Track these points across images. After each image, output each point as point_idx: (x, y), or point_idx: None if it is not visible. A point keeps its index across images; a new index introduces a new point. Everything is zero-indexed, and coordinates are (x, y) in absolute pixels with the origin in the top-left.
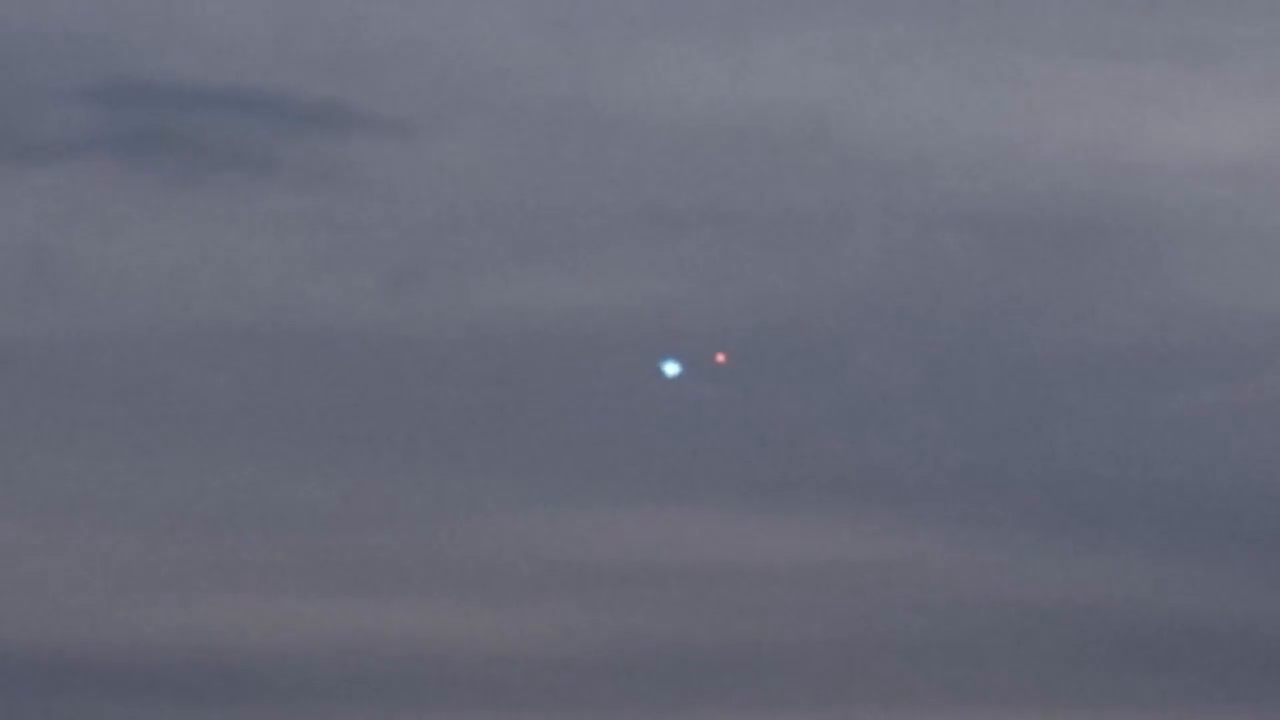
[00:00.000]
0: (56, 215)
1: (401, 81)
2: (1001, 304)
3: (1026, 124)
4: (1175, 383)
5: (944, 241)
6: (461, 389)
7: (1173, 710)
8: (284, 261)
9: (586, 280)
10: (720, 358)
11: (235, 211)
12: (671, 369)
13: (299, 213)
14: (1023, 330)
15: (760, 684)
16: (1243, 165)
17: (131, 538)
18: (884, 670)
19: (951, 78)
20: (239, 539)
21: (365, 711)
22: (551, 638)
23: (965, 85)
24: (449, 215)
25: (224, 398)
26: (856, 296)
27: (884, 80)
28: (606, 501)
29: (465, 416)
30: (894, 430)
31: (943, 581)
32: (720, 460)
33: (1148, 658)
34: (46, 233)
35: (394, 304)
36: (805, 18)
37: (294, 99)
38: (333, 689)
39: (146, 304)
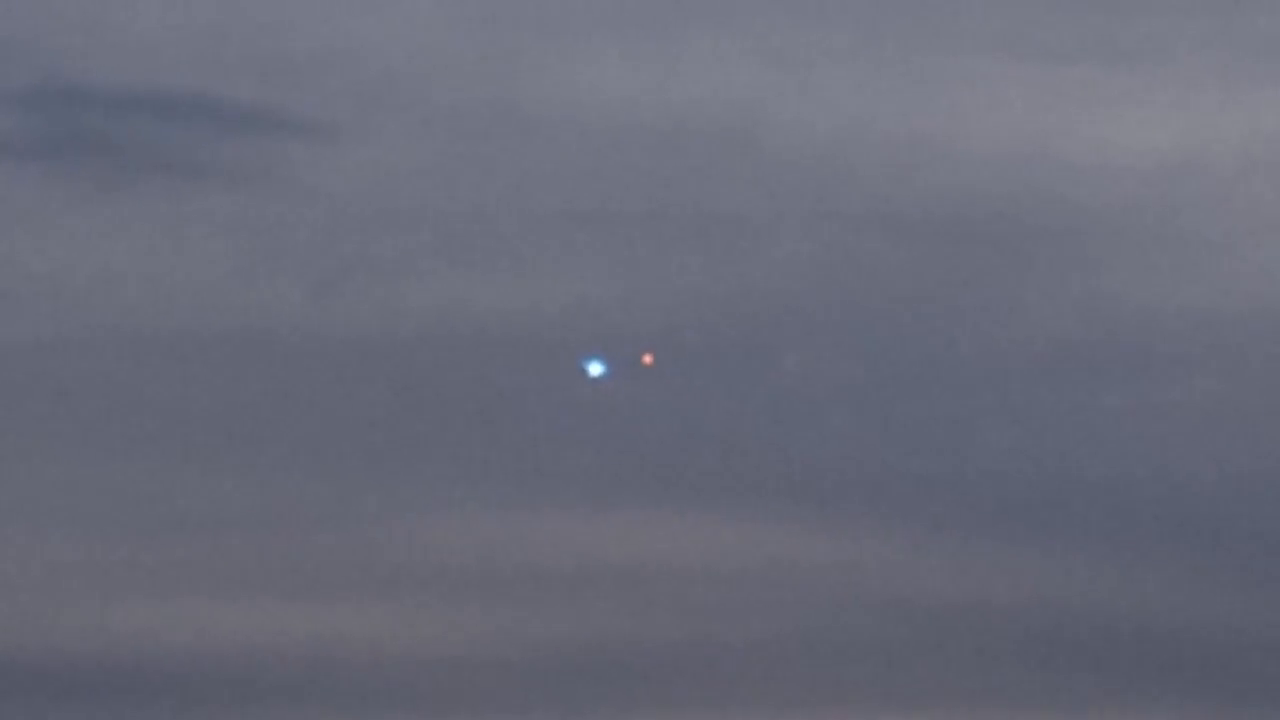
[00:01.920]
0: None
1: (328, 84)
2: (929, 304)
3: (953, 124)
4: (1104, 382)
5: (871, 242)
6: (389, 391)
7: (1114, 709)
8: (213, 264)
9: (513, 282)
10: (647, 359)
11: (164, 215)
12: (595, 369)
13: (227, 216)
14: (951, 330)
15: (696, 685)
16: (1170, 164)
17: (62, 542)
18: (821, 671)
19: (877, 78)
20: (171, 543)
21: (317, 714)
22: (491, 640)
23: (891, 86)
24: (376, 217)
25: (154, 402)
26: (784, 297)
27: (809, 81)
28: (537, 503)
29: (393, 419)
30: (823, 431)
31: (874, 582)
32: (651, 461)
33: (1086, 657)
34: None
35: (322, 306)
36: (730, 19)
37: (221, 102)
38: (282, 691)
39: (76, 309)
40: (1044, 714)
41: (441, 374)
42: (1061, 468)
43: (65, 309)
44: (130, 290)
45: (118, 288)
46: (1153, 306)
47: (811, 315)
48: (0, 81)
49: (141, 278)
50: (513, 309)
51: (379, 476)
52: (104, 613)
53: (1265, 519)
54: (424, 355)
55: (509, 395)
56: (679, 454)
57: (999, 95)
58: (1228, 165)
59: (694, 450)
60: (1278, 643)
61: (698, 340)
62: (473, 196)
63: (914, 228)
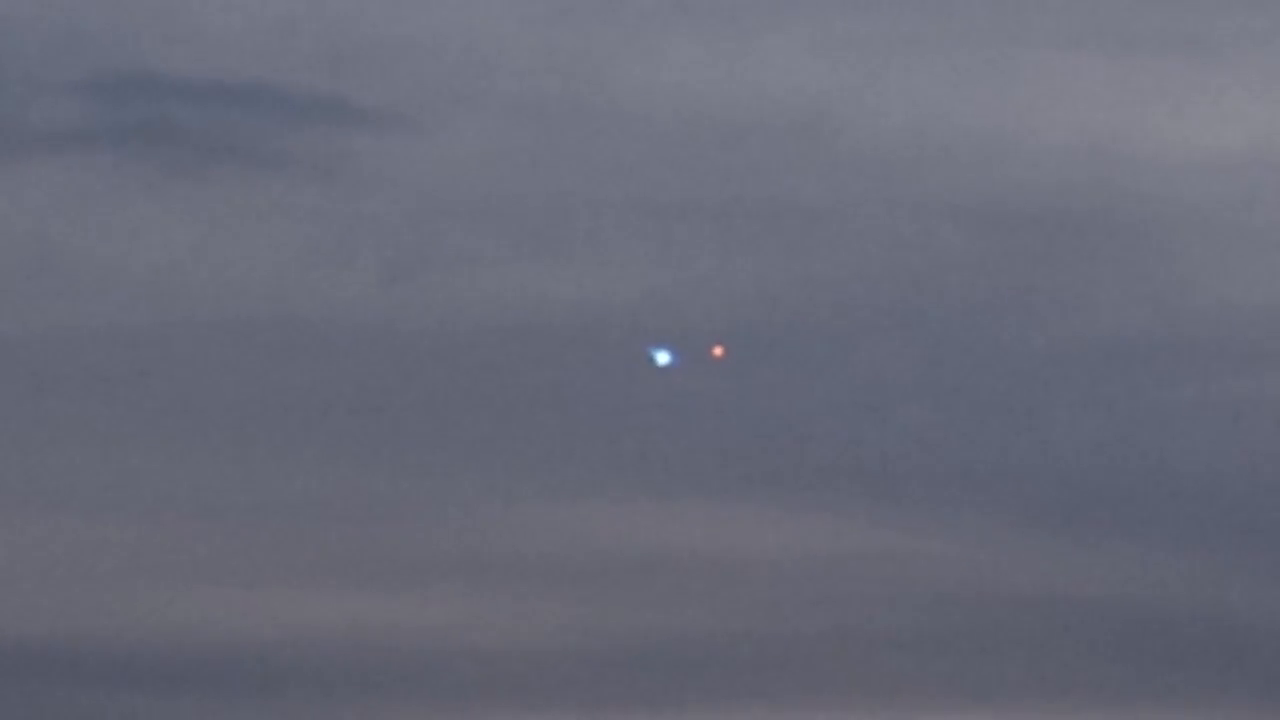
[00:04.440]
0: (55, 208)
1: (400, 76)
2: (1000, 298)
3: (1026, 117)
4: (1176, 376)
5: (943, 235)
6: (458, 381)
7: (1180, 705)
8: (283, 254)
9: (585, 273)
10: (717, 351)
11: (234, 205)
12: (662, 357)
13: (298, 206)
14: (1022, 324)
15: (757, 677)
16: (1243, 159)
17: (130, 529)
18: (880, 664)
19: (950, 71)
20: (234, 530)
21: (357, 702)
22: (547, 631)
23: (964, 79)
24: (447, 208)
25: (222, 390)
26: (855, 290)
27: (882, 74)
28: (604, 494)
29: (462, 409)
30: (892, 424)
31: (941, 575)
32: (717, 453)
33: (1145, 652)
34: (45, 226)
35: (392, 296)
36: (803, 11)
37: (293, 92)
38: (326, 680)
39: (145, 297)
40: (1104, 708)
41: (512, 365)
42: (1131, 462)
43: (133, 296)
44: (198, 278)
45: (186, 276)
46: (1225, 300)
47: (882, 308)
48: (70, 70)
49: (209, 266)
50: (582, 300)
51: (447, 466)
52: (160, 598)
53: None
54: (492, 345)
55: (578, 386)
56: (747, 446)
57: (1071, 88)
58: None
59: (763, 442)
60: None
61: (767, 332)
62: (542, 187)
63: (985, 221)
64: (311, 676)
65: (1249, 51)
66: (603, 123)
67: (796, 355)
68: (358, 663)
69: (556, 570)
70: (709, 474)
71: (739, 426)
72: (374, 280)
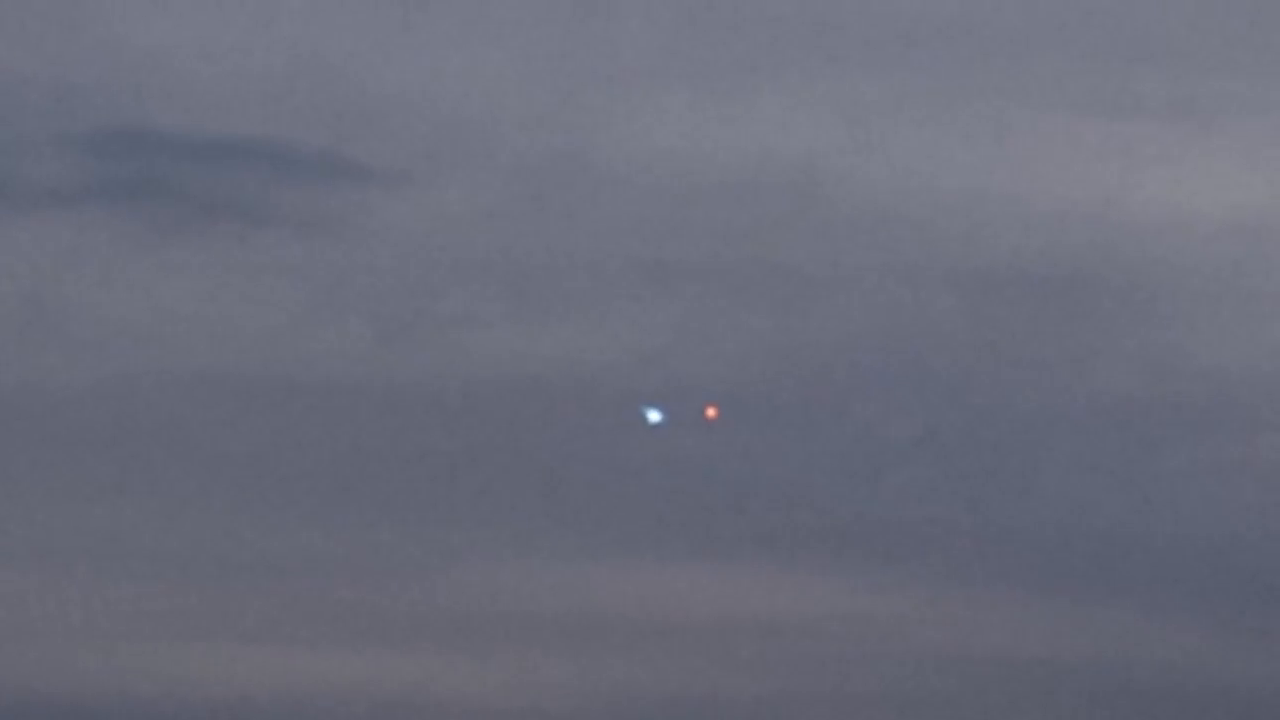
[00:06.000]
0: (51, 263)
1: (397, 132)
2: (993, 359)
3: (1019, 180)
4: (1169, 440)
5: (936, 296)
6: (452, 439)
7: None
8: (279, 310)
9: (579, 332)
10: (711, 411)
11: (230, 261)
12: (654, 416)
13: (294, 262)
14: (1014, 385)
15: None
16: (1235, 223)
17: (124, 586)
18: None
19: (943, 134)
20: (228, 588)
21: None
22: (536, 689)
23: (958, 142)
24: (442, 265)
25: (216, 446)
26: (848, 351)
27: (877, 136)
28: (595, 554)
29: (456, 467)
30: (885, 485)
31: (933, 636)
32: (709, 514)
33: (1136, 713)
34: (41, 281)
35: (387, 353)
36: (798, 73)
37: (290, 149)
38: None
39: (141, 352)
40: None
41: (505, 424)
42: (1123, 525)
43: (129, 353)
44: (195, 335)
45: (183, 332)
46: (1218, 365)
47: (875, 370)
48: (68, 125)
49: (206, 322)
50: (577, 359)
51: (438, 525)
52: (152, 655)
53: None
54: (485, 404)
55: (572, 446)
56: (740, 507)
57: (1066, 151)
58: None
59: (755, 503)
60: None
61: (761, 393)
62: (538, 246)
63: (978, 283)
64: None
65: (1244, 118)
66: (597, 183)
67: (789, 416)
68: (348, 718)
69: (547, 629)
70: (701, 535)
71: (732, 487)
72: (368, 337)
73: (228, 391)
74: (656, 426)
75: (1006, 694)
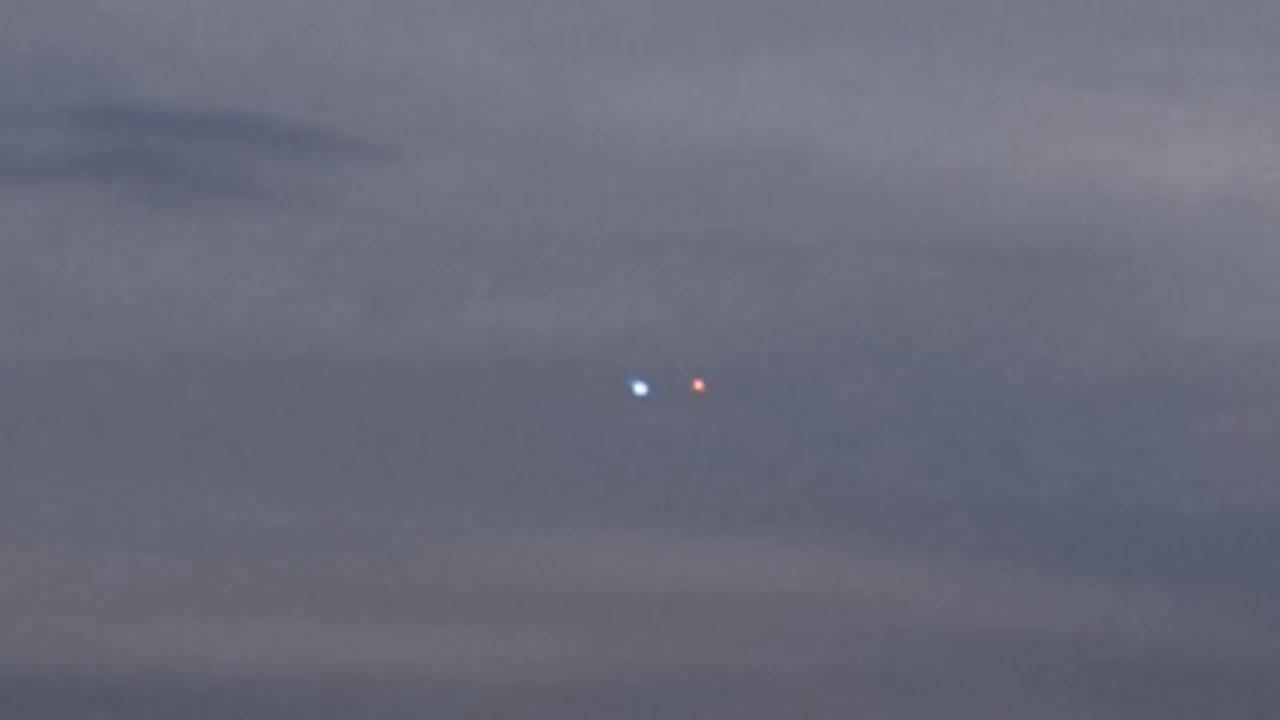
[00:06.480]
0: (37, 238)
1: (382, 107)
2: (981, 334)
3: (1006, 154)
4: (1157, 412)
5: (923, 270)
6: (441, 413)
7: None
8: (266, 284)
9: (567, 306)
10: (698, 385)
11: (218, 235)
12: (639, 388)
13: (282, 237)
14: (1002, 360)
15: (734, 710)
16: (1224, 196)
17: (112, 560)
18: (861, 699)
19: (931, 108)
20: (216, 563)
21: None
22: (528, 663)
23: (945, 115)
24: (430, 240)
25: (204, 420)
26: (836, 325)
27: (863, 110)
28: (581, 527)
29: (444, 441)
30: (872, 459)
31: (922, 609)
32: (698, 488)
33: (1125, 688)
34: (27, 255)
35: (375, 328)
36: (785, 46)
37: (278, 123)
38: (313, 712)
39: (128, 327)
40: None
41: (494, 398)
42: (1112, 497)
43: (118, 327)
44: (183, 309)
45: (168, 307)
46: (1207, 337)
47: (863, 344)
48: (53, 98)
49: (195, 296)
50: (564, 333)
51: (426, 499)
52: (149, 631)
53: None
54: (475, 378)
55: (561, 420)
56: (727, 480)
57: (1053, 125)
58: None
59: (742, 478)
60: None
61: (749, 367)
62: (527, 221)
63: (967, 257)
64: (292, 707)
65: (1230, 91)
66: (585, 157)
67: (777, 389)
68: (337, 694)
69: (533, 602)
70: (687, 508)
71: (720, 460)
72: (356, 311)
73: (215, 365)
74: (643, 399)
75: (996, 666)
